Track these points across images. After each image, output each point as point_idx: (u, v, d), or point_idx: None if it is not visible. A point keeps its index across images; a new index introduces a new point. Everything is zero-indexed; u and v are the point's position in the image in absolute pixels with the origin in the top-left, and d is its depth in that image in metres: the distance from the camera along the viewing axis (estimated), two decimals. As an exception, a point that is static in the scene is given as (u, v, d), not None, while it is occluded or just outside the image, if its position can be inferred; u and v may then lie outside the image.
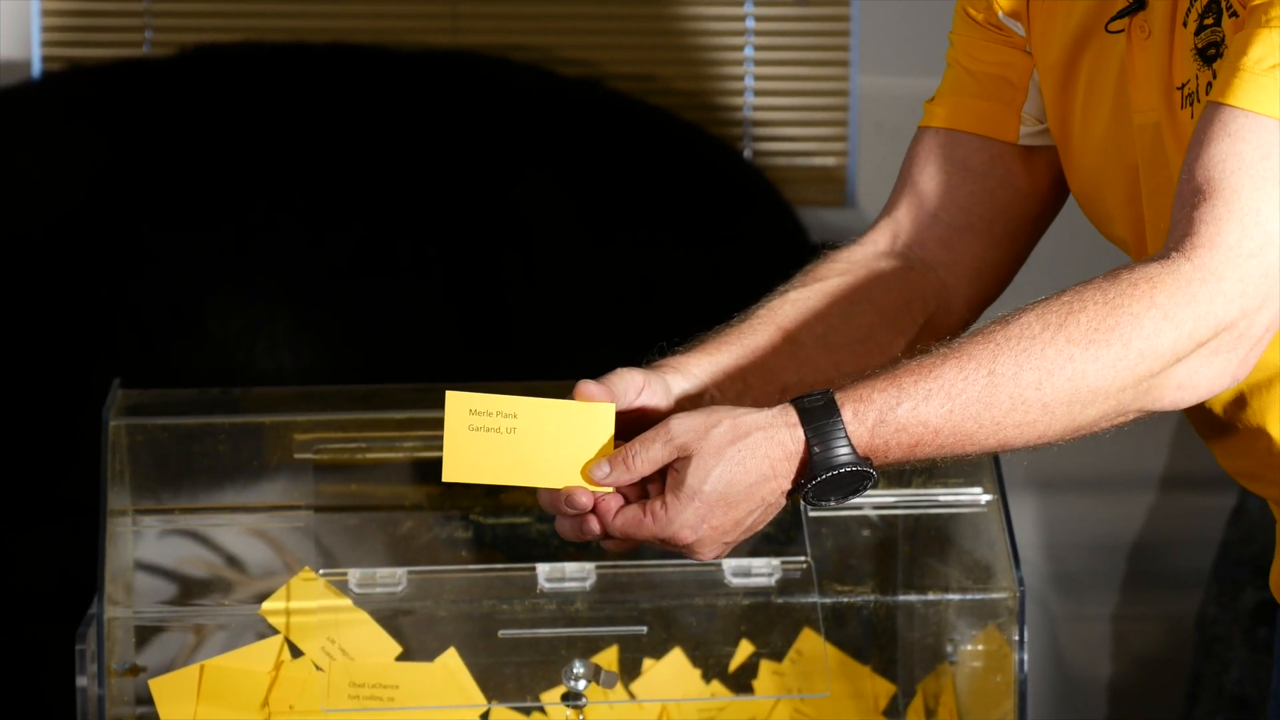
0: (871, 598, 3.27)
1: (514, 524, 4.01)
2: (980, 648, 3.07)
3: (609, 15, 5.14)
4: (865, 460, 2.09)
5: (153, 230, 4.48)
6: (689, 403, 2.29)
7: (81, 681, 2.85)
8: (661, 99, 4.96)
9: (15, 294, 4.45)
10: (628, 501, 2.15)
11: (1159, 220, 2.34)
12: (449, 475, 2.12)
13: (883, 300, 2.60)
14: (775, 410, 2.14)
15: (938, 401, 2.11)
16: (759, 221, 4.81)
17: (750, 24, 5.16)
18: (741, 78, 5.12)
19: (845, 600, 3.26)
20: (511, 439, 2.15)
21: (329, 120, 4.65)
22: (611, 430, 2.14)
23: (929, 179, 2.68)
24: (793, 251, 4.81)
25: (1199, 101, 2.24)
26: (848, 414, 2.10)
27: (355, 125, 4.66)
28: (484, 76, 4.84)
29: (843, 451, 2.12)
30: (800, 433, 2.10)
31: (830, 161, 5.10)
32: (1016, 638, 2.96)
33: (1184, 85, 2.31)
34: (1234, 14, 2.16)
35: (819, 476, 2.09)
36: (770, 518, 2.16)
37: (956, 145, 2.64)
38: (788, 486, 2.12)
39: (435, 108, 4.75)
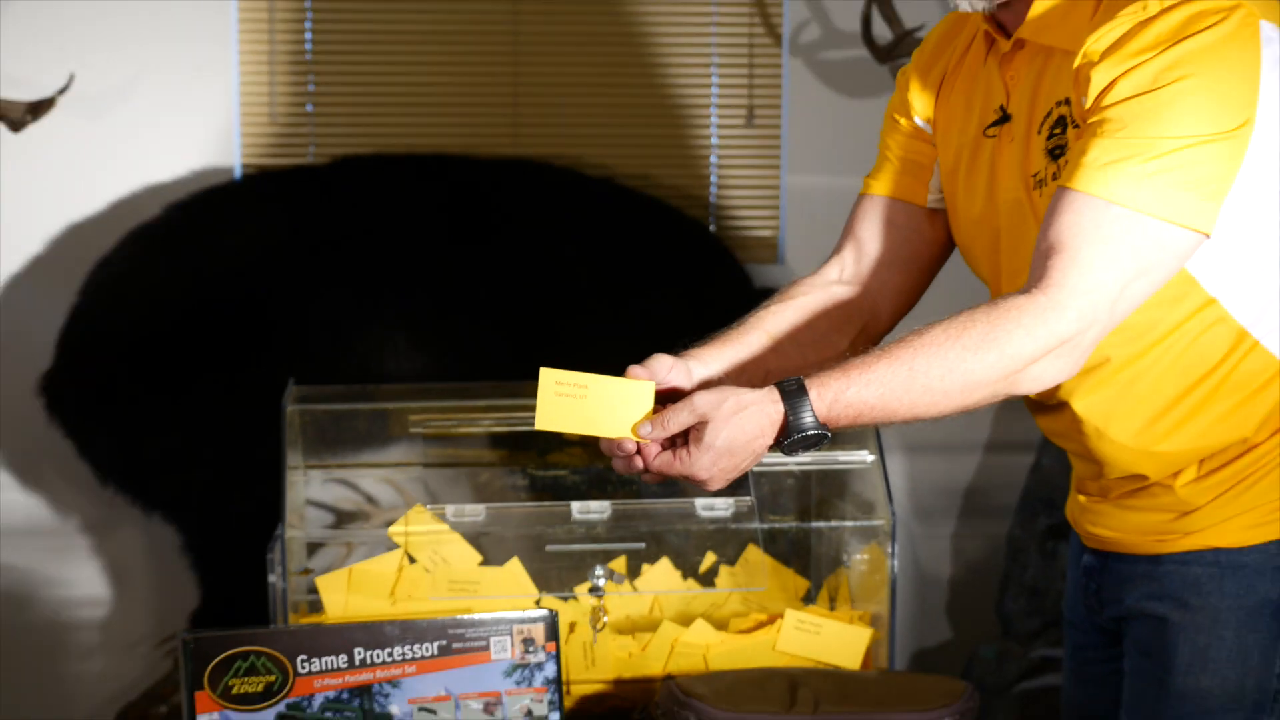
0: (794, 524, 3.31)
1: (556, 475, 4.06)
2: (865, 557, 3.18)
3: (620, 134, 5.10)
4: (823, 426, 2.18)
5: (316, 281, 4.49)
6: (704, 383, 2.37)
7: (271, 579, 2.98)
8: (656, 191, 5.00)
9: (230, 325, 4.45)
10: (663, 449, 2.21)
11: (1013, 266, 2.40)
12: (540, 425, 2.25)
13: (833, 313, 2.62)
14: (764, 390, 2.22)
15: (874, 388, 2.19)
16: (719, 272, 4.87)
17: (715, 141, 5.11)
18: (708, 177, 5.09)
19: (776, 526, 3.34)
20: (582, 402, 2.24)
21: (431, 205, 4.68)
22: (652, 399, 2.25)
23: (866, 230, 2.66)
24: (741, 291, 4.94)
25: (1047, 185, 2.29)
26: (813, 395, 2.18)
27: (448, 208, 4.68)
28: (536, 176, 4.85)
29: (808, 420, 2.18)
30: (781, 407, 2.19)
31: (767, 233, 5.09)
32: (889, 550, 3.03)
33: (1037, 174, 2.34)
34: (1075, 125, 2.23)
35: (792, 436, 2.19)
36: (757, 462, 2.24)
37: (885, 208, 2.64)
38: (770, 442, 2.22)
39: (503, 197, 4.76)
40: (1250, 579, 2.33)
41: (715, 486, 2.27)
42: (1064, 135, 2.29)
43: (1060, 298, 2.14)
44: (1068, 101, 2.28)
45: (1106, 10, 2.22)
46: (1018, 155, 2.39)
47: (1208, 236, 2.15)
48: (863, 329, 2.65)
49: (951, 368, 2.17)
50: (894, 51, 4.68)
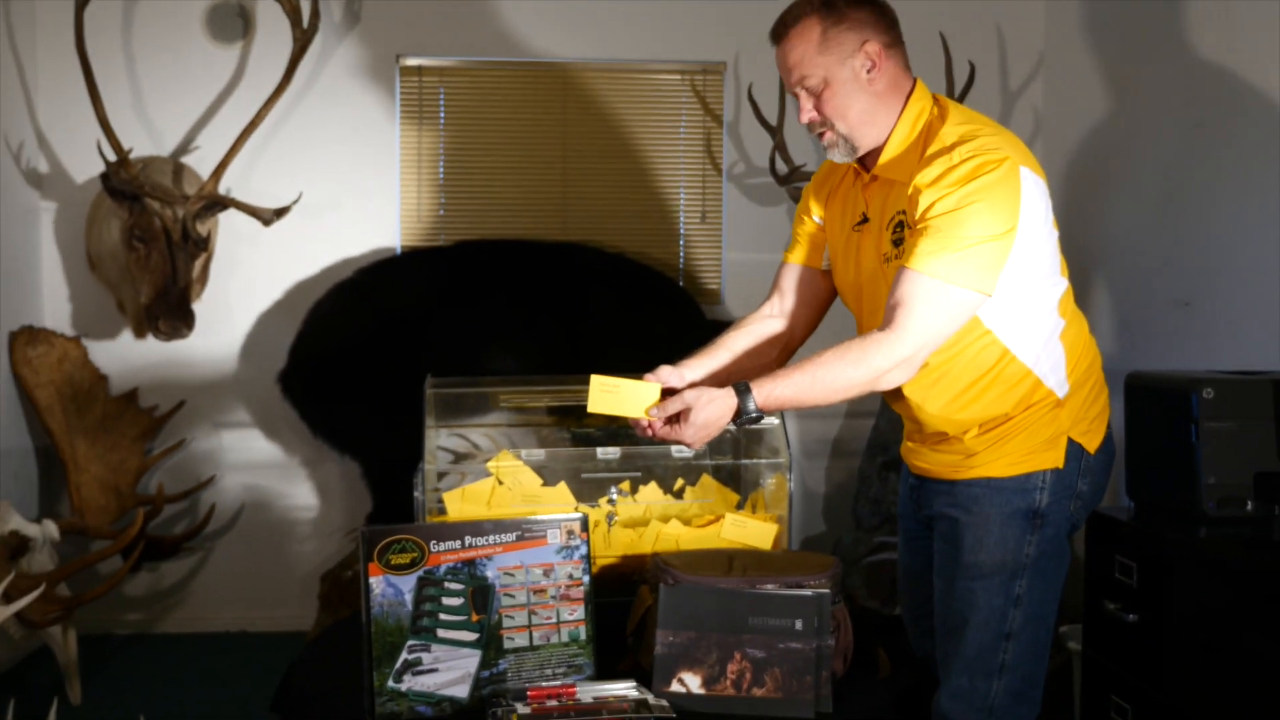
0: (730, 461, 3.27)
1: (588, 432, 4.00)
2: (773, 481, 3.13)
3: (627, 227, 5.06)
4: (760, 411, 2.30)
5: (445, 316, 4.45)
6: (691, 384, 2.44)
7: (416, 494, 2.96)
8: (648, 261, 4.96)
9: (393, 342, 4.42)
10: (665, 424, 2.32)
11: (871, 307, 2.45)
12: (590, 409, 2.32)
13: (769, 336, 2.67)
14: (726, 389, 2.31)
15: (791, 388, 2.29)
16: (686, 310, 4.79)
17: (683, 231, 5.06)
18: (679, 253, 5.05)
19: (719, 463, 3.27)
20: (615, 395, 2.31)
21: (511, 270, 4.63)
22: (658, 394, 2.35)
23: (786, 284, 2.68)
24: (699, 321, 4.84)
25: (891, 262, 2.36)
26: (754, 393, 2.30)
27: (522, 272, 4.63)
28: (577, 252, 4.81)
29: (751, 408, 2.29)
30: (734, 400, 2.30)
31: (713, 286, 5.03)
32: (789, 477, 3.00)
33: (886, 254, 2.40)
34: (909, 226, 2.30)
35: (742, 417, 2.31)
36: (720, 432, 2.32)
37: (799, 271, 2.67)
38: (728, 421, 2.31)
39: (556, 264, 4.72)
40: (1008, 496, 2.38)
41: (696, 447, 2.36)
42: (902, 232, 2.34)
43: (902, 335, 2.24)
44: (903, 212, 2.33)
45: (927, 160, 2.29)
46: (873, 243, 2.44)
47: (990, 296, 2.25)
48: (785, 346, 2.68)
49: (838, 376, 2.27)
50: (789, 179, 4.64)
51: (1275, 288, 3.55)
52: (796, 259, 2.68)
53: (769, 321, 2.69)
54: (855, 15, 2.35)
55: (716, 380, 2.51)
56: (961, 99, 4.63)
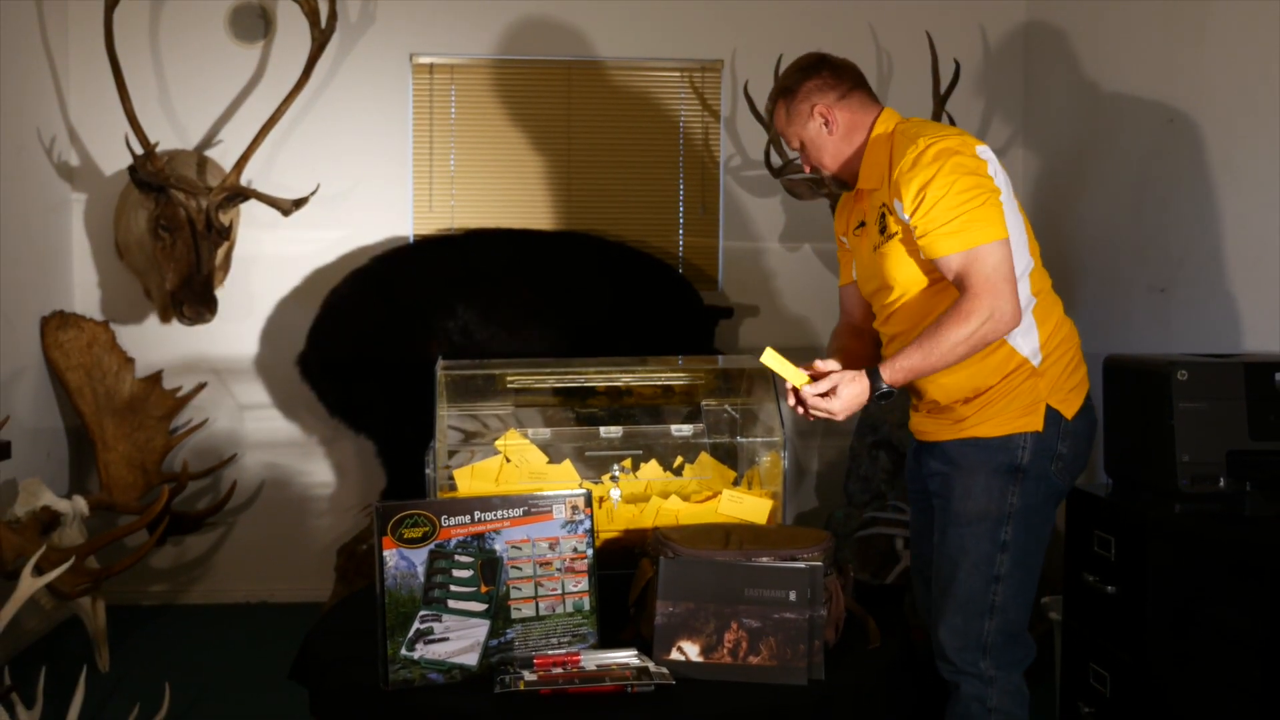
0: (727, 440, 3.25)
1: (591, 412, 4.00)
2: (768, 458, 3.08)
3: (631, 216, 5.04)
4: (891, 387, 2.46)
5: (455, 301, 4.43)
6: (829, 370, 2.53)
7: (428, 471, 2.93)
8: (649, 249, 4.93)
9: (406, 325, 4.40)
10: (818, 398, 2.46)
11: (871, 291, 2.70)
12: (763, 360, 2.45)
13: (855, 333, 2.85)
14: (861, 371, 2.46)
15: (910, 361, 2.44)
16: (684, 295, 4.76)
17: (682, 221, 5.04)
18: (679, 242, 5.03)
19: (717, 441, 3.26)
20: (784, 364, 2.42)
21: (519, 256, 4.60)
22: (807, 376, 2.46)
23: (846, 302, 2.89)
24: (696, 306, 4.85)
25: (880, 249, 2.59)
26: (882, 372, 2.46)
27: (529, 258, 4.61)
28: (581, 240, 4.79)
29: (883, 385, 2.45)
30: (868, 381, 2.46)
31: (711, 274, 5.02)
32: (783, 455, 2.96)
33: (875, 244, 2.61)
34: (890, 214, 2.53)
35: (874, 393, 2.46)
36: (861, 405, 2.46)
37: (847, 289, 2.87)
38: (866, 397, 2.45)
39: (560, 252, 4.70)
40: (993, 454, 2.52)
41: (841, 419, 2.48)
42: (885, 220, 2.56)
43: (976, 297, 2.38)
44: (884, 204, 2.56)
45: (894, 158, 2.53)
46: (868, 240, 2.65)
47: (1005, 237, 2.42)
48: (864, 334, 2.81)
49: (945, 342, 2.39)
50: (783, 171, 4.62)
51: (1246, 274, 3.54)
52: (844, 281, 2.91)
53: (849, 325, 2.91)
54: (805, 88, 2.67)
55: (847, 366, 2.71)
56: (946, 96, 4.61)
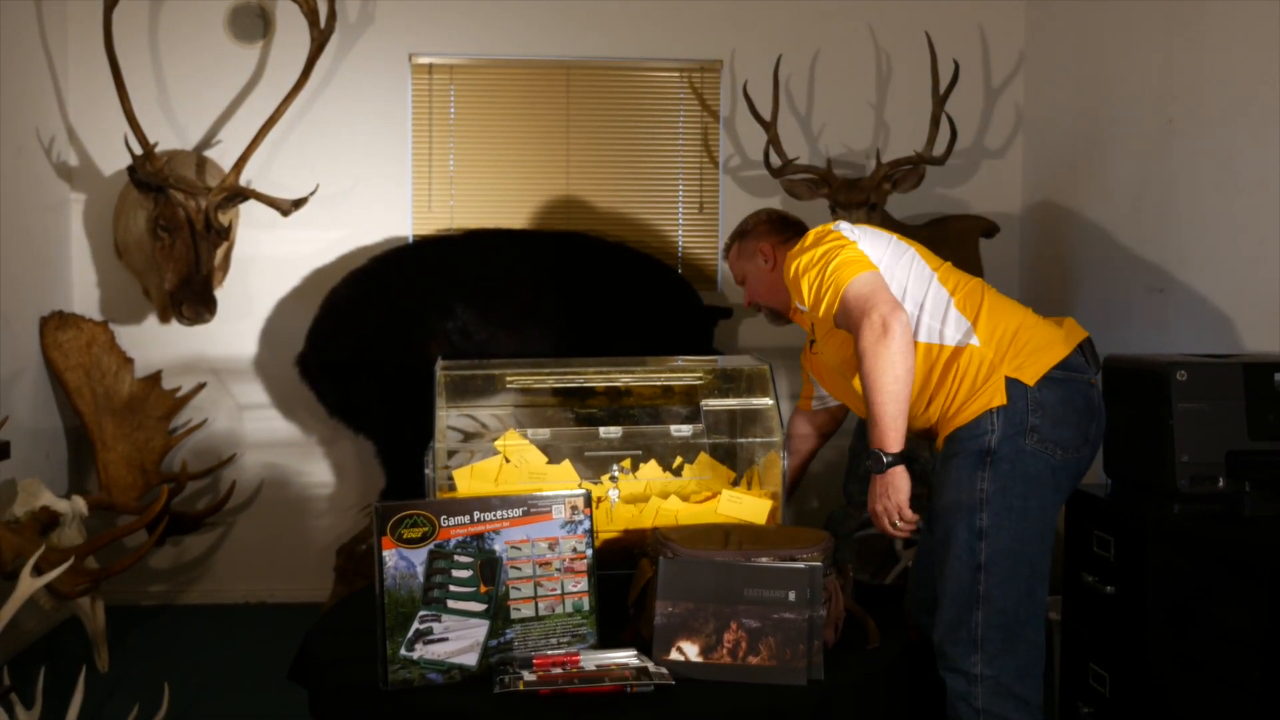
0: (726, 440, 3.25)
1: (591, 412, 3.99)
2: (767, 458, 3.05)
3: (629, 217, 5.04)
4: (890, 453, 2.49)
5: (453, 300, 4.42)
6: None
7: (427, 471, 2.92)
8: (648, 250, 4.92)
9: (405, 325, 4.39)
10: None
11: (831, 387, 2.99)
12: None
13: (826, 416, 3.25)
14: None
15: (883, 419, 2.45)
16: (683, 295, 4.74)
17: (681, 221, 5.04)
18: (678, 242, 5.02)
19: (717, 441, 3.25)
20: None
21: (518, 257, 4.59)
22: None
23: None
24: (695, 306, 4.82)
25: (815, 346, 2.88)
26: (871, 447, 2.49)
27: (527, 259, 4.59)
28: (580, 241, 4.77)
29: (885, 455, 2.49)
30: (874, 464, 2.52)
31: (710, 274, 5.01)
32: (782, 455, 2.96)
33: (812, 338, 2.87)
34: (803, 310, 2.73)
35: (883, 465, 2.50)
36: (905, 480, 2.52)
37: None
38: (896, 473, 2.52)
39: (559, 253, 4.68)
40: (964, 443, 2.53)
41: (899, 500, 2.52)
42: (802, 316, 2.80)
43: (862, 322, 2.47)
44: (800, 307, 2.72)
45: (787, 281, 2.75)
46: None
47: (876, 269, 2.57)
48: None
49: (875, 376, 2.44)
50: (782, 171, 4.62)
51: (1244, 274, 3.54)
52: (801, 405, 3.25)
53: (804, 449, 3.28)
54: (755, 232, 3.05)
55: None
56: (946, 96, 4.61)
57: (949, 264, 2.71)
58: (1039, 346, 2.56)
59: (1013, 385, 2.50)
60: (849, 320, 2.51)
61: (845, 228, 2.69)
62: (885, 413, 2.44)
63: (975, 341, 2.54)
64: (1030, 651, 2.52)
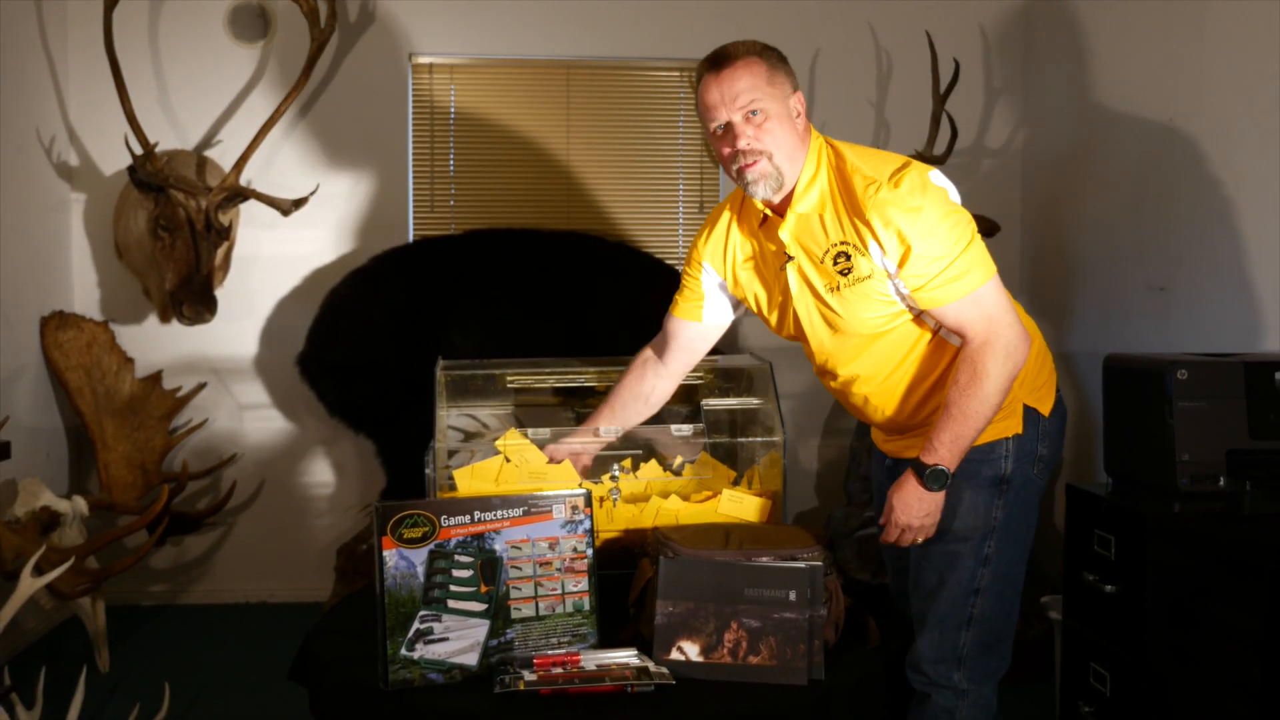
0: (727, 440, 3.23)
1: (590, 411, 3.99)
2: (768, 459, 3.04)
3: (630, 217, 5.05)
4: (944, 468, 2.33)
5: (454, 299, 4.44)
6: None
7: (427, 471, 2.90)
8: (648, 249, 4.91)
9: (405, 325, 4.40)
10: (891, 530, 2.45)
11: (830, 332, 2.45)
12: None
13: (649, 384, 2.91)
14: (904, 474, 2.38)
15: (953, 434, 2.30)
16: (674, 287, 4.73)
17: (681, 221, 5.04)
18: (678, 241, 5.03)
19: (717, 441, 3.24)
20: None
21: (518, 257, 4.60)
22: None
23: (676, 337, 2.83)
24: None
25: (840, 290, 2.37)
26: (925, 458, 2.33)
27: (528, 258, 4.60)
28: (581, 240, 4.78)
29: (932, 467, 2.31)
30: (915, 479, 2.35)
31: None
32: (782, 455, 2.95)
33: (831, 285, 2.38)
34: (857, 251, 2.32)
35: (930, 483, 2.33)
36: (934, 504, 2.37)
37: (682, 325, 2.81)
38: (927, 491, 2.36)
39: (560, 253, 4.69)
40: (976, 466, 2.40)
41: (924, 523, 2.37)
42: (848, 261, 2.34)
43: (986, 340, 2.26)
44: (844, 243, 2.33)
45: (856, 194, 2.30)
46: (809, 276, 2.41)
47: (996, 272, 2.32)
48: (651, 389, 2.90)
49: (978, 398, 2.27)
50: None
51: (1245, 272, 3.54)
52: (681, 315, 2.74)
53: (651, 371, 2.86)
54: (785, 65, 2.38)
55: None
56: (946, 95, 4.61)
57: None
58: (1050, 372, 2.53)
59: (1029, 414, 2.44)
60: (963, 328, 2.31)
61: (947, 186, 2.34)
62: (968, 435, 2.30)
63: None
64: (1001, 663, 2.51)
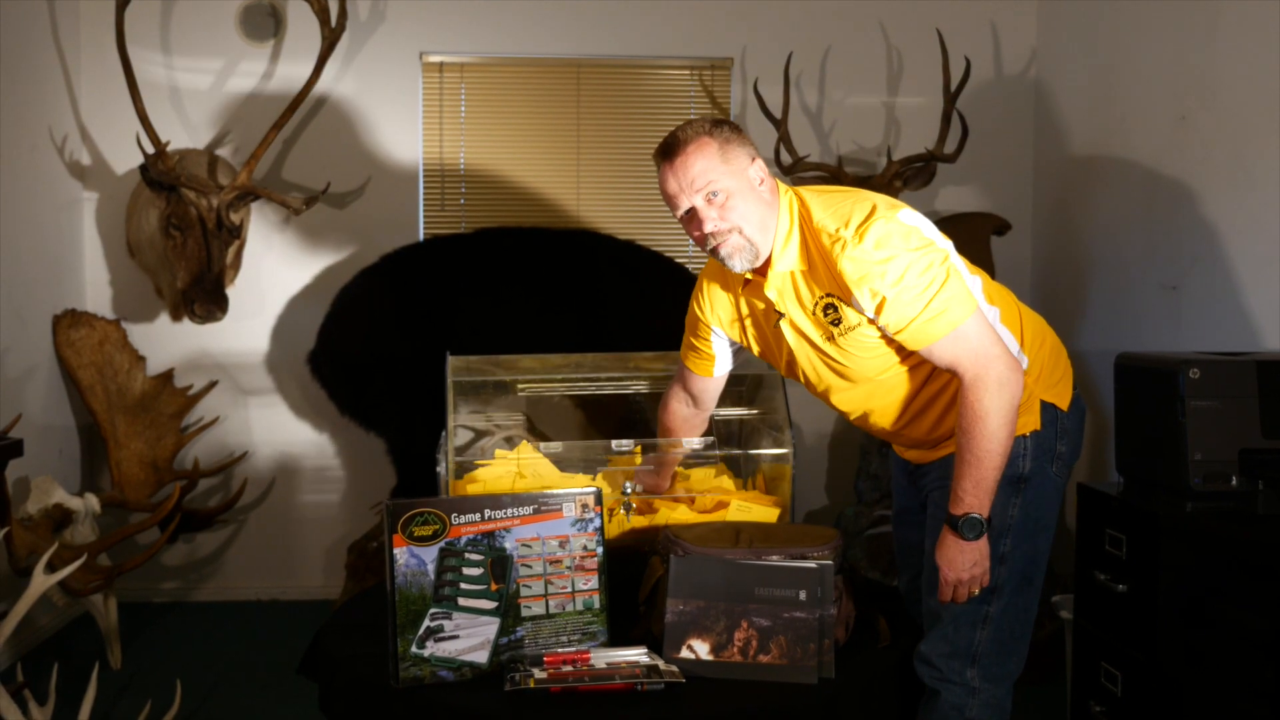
0: (739, 451, 3.21)
1: (602, 400, 3.99)
2: (775, 465, 3.03)
3: (639, 216, 5.04)
4: (979, 516, 2.27)
5: (464, 298, 4.43)
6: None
7: (438, 469, 2.85)
8: (657, 247, 4.89)
9: (416, 323, 4.40)
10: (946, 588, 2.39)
11: (838, 373, 2.44)
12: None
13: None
14: (942, 530, 2.34)
15: (974, 480, 2.24)
16: (684, 285, 4.73)
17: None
18: (687, 241, 5.01)
19: (731, 453, 3.22)
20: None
21: (529, 255, 4.59)
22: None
23: (698, 390, 2.86)
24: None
25: (835, 339, 2.37)
26: (954, 509, 2.28)
27: (539, 256, 4.59)
28: (591, 238, 4.78)
29: (967, 517, 2.26)
30: (952, 534, 2.30)
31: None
32: (790, 464, 2.92)
33: (829, 334, 2.37)
34: (842, 302, 2.31)
35: (966, 532, 2.27)
36: (979, 554, 2.32)
37: (697, 379, 2.83)
38: (968, 542, 2.31)
39: (570, 251, 4.68)
40: None
41: (972, 574, 2.31)
42: (837, 312, 2.33)
43: (978, 375, 2.21)
44: (829, 295, 2.32)
45: (825, 248, 2.28)
46: (803, 329, 2.41)
47: (977, 306, 2.26)
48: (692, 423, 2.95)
49: (986, 438, 2.21)
50: (793, 169, 4.62)
51: (1258, 271, 3.53)
52: (699, 371, 2.75)
53: (685, 405, 2.88)
54: (739, 136, 2.36)
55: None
56: (957, 94, 4.60)
57: (980, 269, 2.49)
58: (1066, 367, 2.51)
59: (1046, 409, 2.42)
60: (953, 366, 2.28)
61: (920, 221, 2.32)
62: (990, 477, 2.25)
63: (1025, 363, 2.39)
64: (1018, 663, 2.48)
